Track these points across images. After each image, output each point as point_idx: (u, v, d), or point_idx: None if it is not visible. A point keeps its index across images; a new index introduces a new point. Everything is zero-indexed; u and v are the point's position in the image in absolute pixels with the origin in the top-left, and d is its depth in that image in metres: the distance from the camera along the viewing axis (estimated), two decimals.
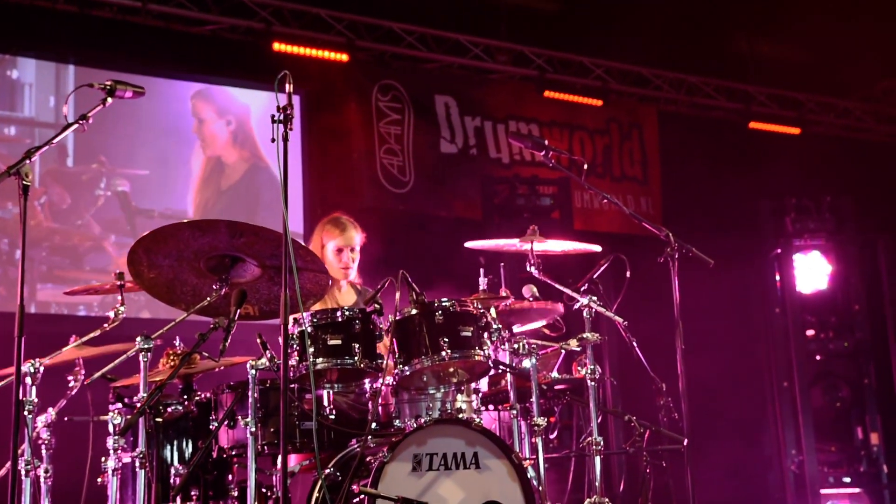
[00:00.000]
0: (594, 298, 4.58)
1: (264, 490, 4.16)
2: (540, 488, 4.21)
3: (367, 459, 3.99)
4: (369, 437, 4.03)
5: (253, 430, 3.95)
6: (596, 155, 9.60)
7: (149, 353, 3.99)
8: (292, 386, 4.13)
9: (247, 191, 8.13)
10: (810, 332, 8.49)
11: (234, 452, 4.22)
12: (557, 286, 4.72)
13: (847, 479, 8.21)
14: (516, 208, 8.18)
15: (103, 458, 4.23)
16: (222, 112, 8.12)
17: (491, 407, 4.80)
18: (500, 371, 4.49)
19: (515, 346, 4.39)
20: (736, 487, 8.25)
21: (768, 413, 8.58)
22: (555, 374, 4.86)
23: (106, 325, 4.31)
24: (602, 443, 4.42)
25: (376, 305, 4.14)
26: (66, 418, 4.45)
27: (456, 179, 8.88)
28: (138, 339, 4.01)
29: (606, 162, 9.66)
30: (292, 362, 4.06)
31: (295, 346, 4.07)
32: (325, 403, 4.18)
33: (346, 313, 4.10)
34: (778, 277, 8.52)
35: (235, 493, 4.25)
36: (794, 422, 8.27)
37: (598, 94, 9.51)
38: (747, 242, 8.65)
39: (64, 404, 4.43)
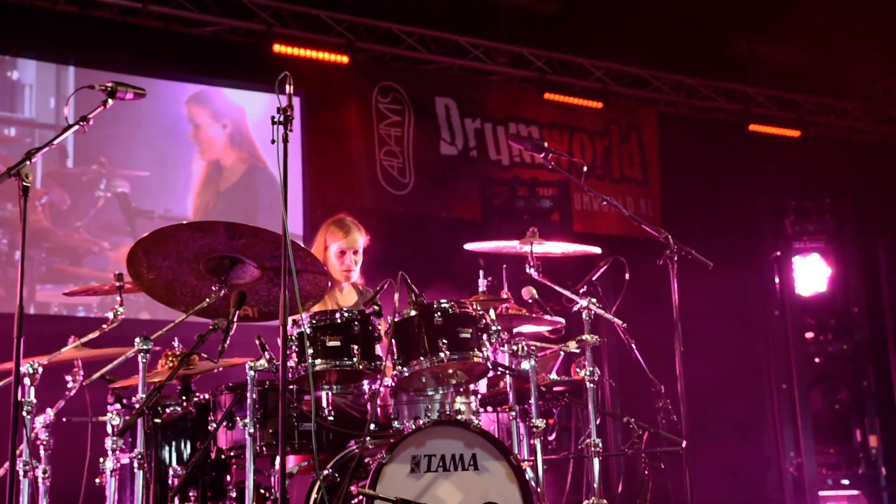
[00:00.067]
0: (593, 300, 4.58)
1: (263, 491, 4.16)
2: (538, 490, 4.21)
3: (366, 460, 3.99)
4: (368, 438, 4.03)
5: (251, 431, 3.95)
6: (595, 157, 9.60)
7: (148, 354, 4.00)
8: (291, 387, 4.14)
9: (245, 192, 8.14)
10: (809, 335, 8.50)
11: (232, 453, 4.23)
12: (557, 288, 4.72)
13: (846, 481, 8.22)
14: (516, 210, 8.19)
15: (102, 459, 4.23)
16: (218, 115, 8.11)
17: (490, 408, 4.80)
18: (498, 373, 4.49)
19: (514, 347, 4.39)
20: (734, 489, 8.26)
21: (767, 415, 8.59)
22: (553, 375, 4.86)
23: (105, 325, 4.31)
24: (601, 444, 4.41)
25: (375, 307, 4.14)
26: (64, 419, 4.45)
27: (456, 181, 8.89)
28: (137, 340, 4.01)
29: (606, 164, 9.67)
30: (291, 363, 4.06)
31: (294, 347, 4.07)
32: (324, 405, 4.18)
33: (345, 315, 4.11)
34: (777, 279, 8.53)
35: (234, 494, 4.25)
36: (792, 424, 8.27)
37: (597, 96, 9.52)
38: (747, 244, 8.65)
39: (62, 405, 4.43)
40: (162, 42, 7.95)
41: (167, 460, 4.34)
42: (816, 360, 8.46)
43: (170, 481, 4.27)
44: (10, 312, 3.51)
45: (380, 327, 4.18)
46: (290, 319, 3.95)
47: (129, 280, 4.15)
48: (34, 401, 4.12)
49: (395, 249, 7.27)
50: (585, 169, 4.95)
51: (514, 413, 4.48)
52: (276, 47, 8.17)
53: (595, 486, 4.38)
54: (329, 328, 4.08)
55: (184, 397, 4.37)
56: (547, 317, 4.88)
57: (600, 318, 4.65)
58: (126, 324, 4.36)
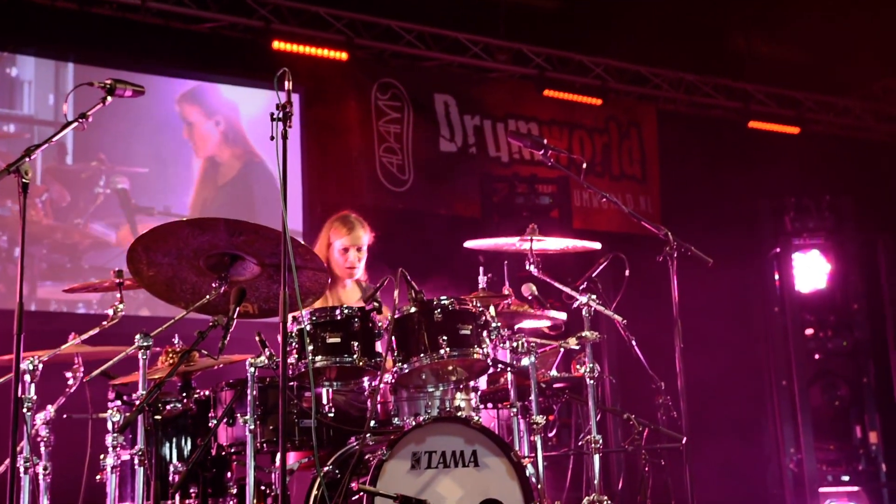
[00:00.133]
0: (593, 297, 4.58)
1: (263, 488, 4.16)
2: (539, 486, 4.21)
3: (366, 457, 4.00)
4: (368, 434, 4.04)
5: (252, 427, 3.95)
6: (595, 154, 9.60)
7: (148, 351, 4.00)
8: (291, 384, 4.14)
9: (243, 187, 8.12)
10: (809, 331, 8.50)
11: (233, 450, 4.22)
12: (556, 285, 4.72)
13: (846, 478, 8.22)
14: (515, 207, 8.18)
15: (102, 456, 4.22)
16: (210, 113, 8.09)
17: (490, 405, 4.80)
18: (498, 369, 4.49)
19: (514, 344, 4.39)
20: (734, 486, 8.25)
21: (767, 412, 8.59)
22: (554, 372, 4.86)
23: (105, 322, 4.31)
24: (601, 441, 4.42)
25: (375, 304, 4.15)
26: (64, 415, 4.45)
27: (455, 178, 8.88)
28: (137, 336, 4.01)
29: (605, 161, 9.66)
30: (291, 360, 4.06)
31: (294, 344, 4.07)
32: (325, 401, 4.18)
33: (345, 311, 4.11)
34: (777, 276, 8.52)
35: (234, 491, 4.25)
36: (792, 420, 8.27)
37: (597, 93, 9.51)
38: (746, 241, 8.65)
39: (63, 402, 4.43)
40: (161, 38, 7.94)
41: (168, 457, 4.33)
42: (816, 356, 8.46)
43: (170, 478, 4.27)
44: (11, 309, 3.51)
45: (380, 324, 4.18)
46: (290, 316, 3.95)
47: (129, 277, 4.15)
48: (34, 397, 4.12)
49: (395, 246, 7.26)
50: (585, 166, 4.95)
51: (514, 409, 4.48)
52: (276, 44, 8.16)
53: (595, 482, 4.38)
54: (329, 325, 4.08)
55: (184, 394, 4.37)
56: (551, 312, 4.88)
57: (600, 314, 4.65)
58: (126, 320, 4.36)
